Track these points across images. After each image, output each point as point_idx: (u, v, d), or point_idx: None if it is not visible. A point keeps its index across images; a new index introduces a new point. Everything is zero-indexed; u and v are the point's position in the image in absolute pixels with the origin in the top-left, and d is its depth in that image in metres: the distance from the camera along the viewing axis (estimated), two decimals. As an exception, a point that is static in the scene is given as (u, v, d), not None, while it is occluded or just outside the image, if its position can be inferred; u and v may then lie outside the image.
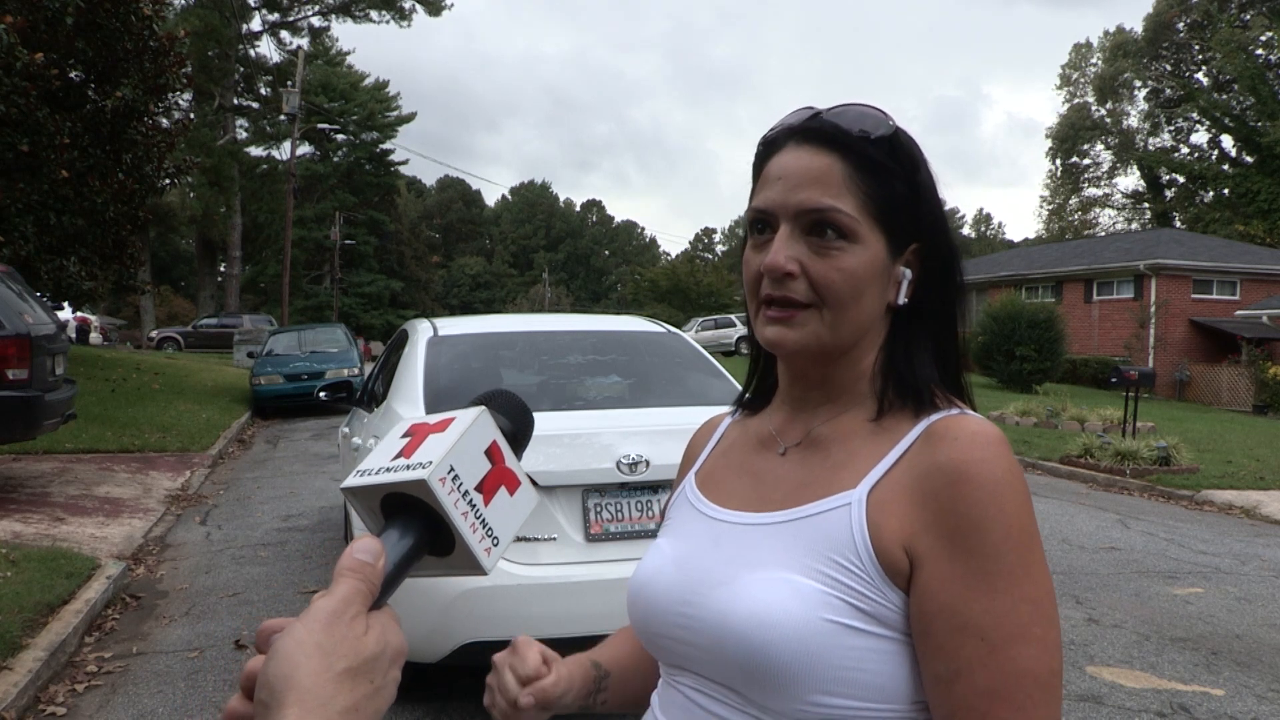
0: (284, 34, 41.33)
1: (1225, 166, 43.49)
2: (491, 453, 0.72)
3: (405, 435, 0.72)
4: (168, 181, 15.77)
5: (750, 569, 0.87)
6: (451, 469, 0.67)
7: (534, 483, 2.99)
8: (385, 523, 0.69)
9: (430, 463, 0.66)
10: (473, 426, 0.71)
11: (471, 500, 0.68)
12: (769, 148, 0.94)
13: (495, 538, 0.70)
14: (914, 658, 0.82)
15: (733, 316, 34.13)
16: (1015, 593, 0.79)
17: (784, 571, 0.84)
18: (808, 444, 0.94)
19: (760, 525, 0.90)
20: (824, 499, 0.87)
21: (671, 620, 0.92)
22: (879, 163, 0.88)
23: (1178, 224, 46.75)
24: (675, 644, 0.92)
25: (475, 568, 0.69)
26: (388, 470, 0.68)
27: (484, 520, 0.69)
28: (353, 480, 0.69)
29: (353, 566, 0.62)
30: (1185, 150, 50.07)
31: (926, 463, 0.84)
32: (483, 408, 0.74)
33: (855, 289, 0.88)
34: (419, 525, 0.68)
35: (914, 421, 0.88)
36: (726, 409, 1.14)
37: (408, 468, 0.67)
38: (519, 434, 0.78)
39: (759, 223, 0.92)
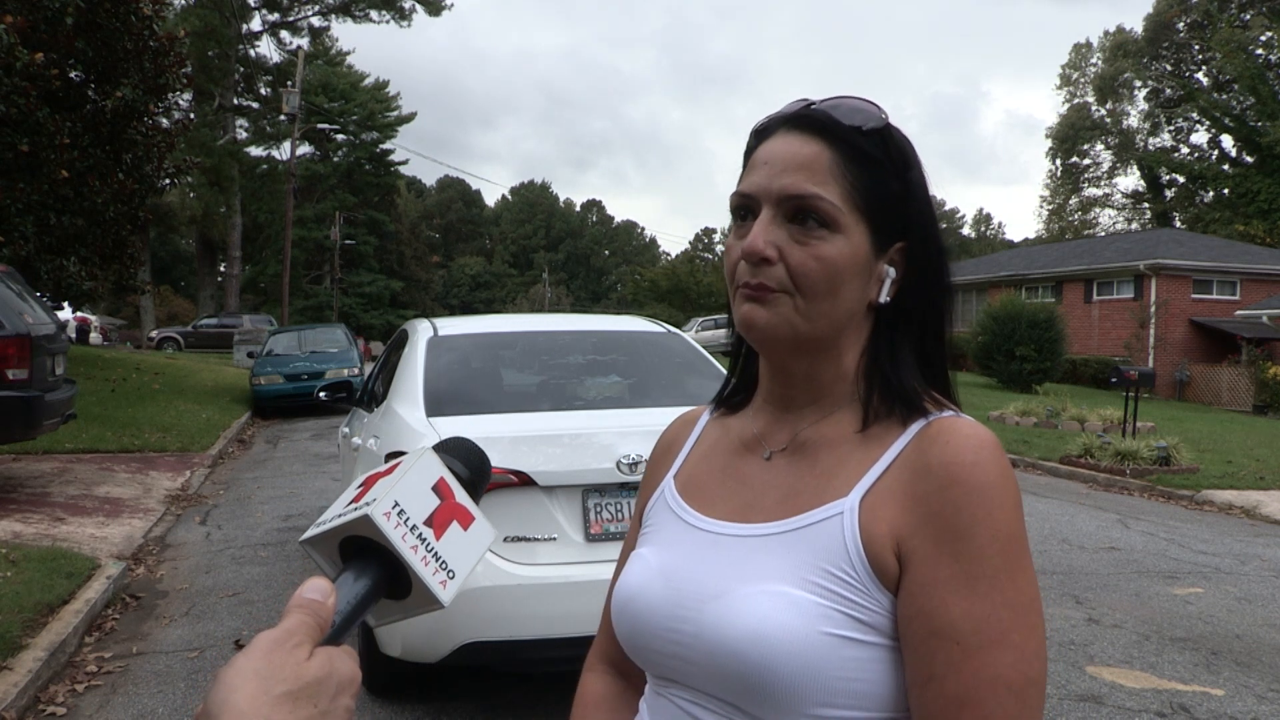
0: (284, 34, 41.34)
1: (1225, 166, 43.47)
2: (439, 489, 0.73)
3: (359, 485, 0.74)
4: (168, 181, 15.79)
5: (743, 582, 0.85)
6: (396, 504, 0.69)
7: (526, 479, 2.95)
8: (343, 568, 0.71)
9: (375, 500, 0.69)
10: (418, 464, 0.73)
11: (421, 535, 0.70)
12: (759, 136, 0.92)
13: (451, 571, 0.71)
14: None
15: (733, 317, 34.08)
16: (996, 598, 0.76)
17: (779, 585, 0.82)
18: (794, 449, 0.91)
19: (751, 537, 0.88)
20: (816, 509, 0.85)
21: (662, 635, 0.89)
22: (869, 155, 0.87)
23: (1178, 224, 46.74)
24: (666, 658, 0.89)
25: (432, 602, 0.70)
26: (339, 516, 0.70)
27: (436, 554, 0.70)
28: (309, 532, 0.71)
29: (300, 603, 0.63)
30: (1185, 150, 50.09)
31: (918, 466, 0.82)
32: (428, 447, 0.77)
33: (833, 279, 0.85)
34: (375, 568, 0.69)
35: (904, 425, 0.86)
36: (704, 406, 1.10)
37: (355, 510, 0.69)
38: (476, 479, 0.80)
39: (742, 208, 0.90)
